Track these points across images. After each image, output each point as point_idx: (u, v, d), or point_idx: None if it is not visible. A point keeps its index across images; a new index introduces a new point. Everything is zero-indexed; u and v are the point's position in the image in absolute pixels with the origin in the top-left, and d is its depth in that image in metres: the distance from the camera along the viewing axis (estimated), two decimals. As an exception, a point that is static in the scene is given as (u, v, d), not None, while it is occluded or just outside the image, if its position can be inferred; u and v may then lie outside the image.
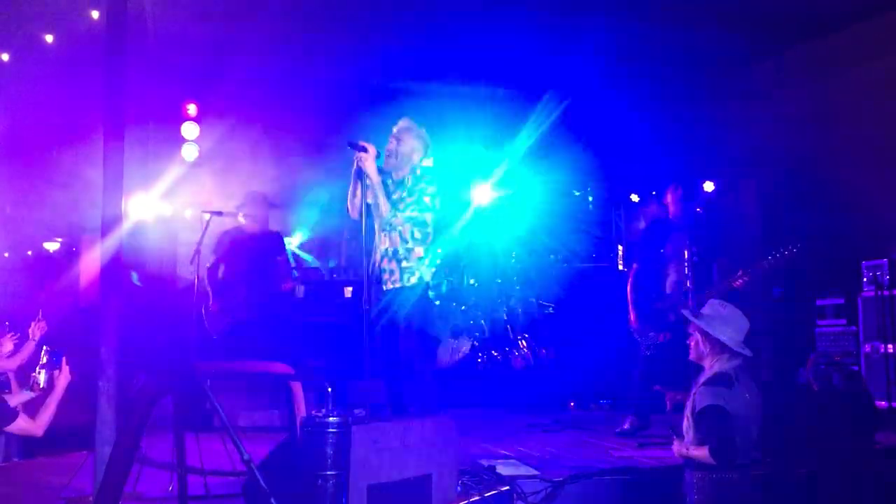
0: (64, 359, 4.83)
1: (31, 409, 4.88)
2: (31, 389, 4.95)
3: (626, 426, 5.79)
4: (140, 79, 7.58)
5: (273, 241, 6.89)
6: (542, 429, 6.24)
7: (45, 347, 4.93)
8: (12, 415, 4.68)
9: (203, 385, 3.02)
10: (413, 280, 4.65)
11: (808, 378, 7.27)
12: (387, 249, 4.69)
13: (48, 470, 4.52)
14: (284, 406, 5.85)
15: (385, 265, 4.68)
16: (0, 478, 4.34)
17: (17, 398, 4.98)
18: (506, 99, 10.24)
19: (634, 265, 5.98)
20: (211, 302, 6.61)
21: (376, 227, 4.73)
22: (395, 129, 4.79)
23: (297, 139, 9.25)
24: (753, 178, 8.09)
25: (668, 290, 5.77)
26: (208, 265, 6.78)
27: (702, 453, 3.60)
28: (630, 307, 5.84)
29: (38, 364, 4.92)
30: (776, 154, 8.12)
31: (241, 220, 6.85)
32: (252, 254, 6.73)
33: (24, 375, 5.67)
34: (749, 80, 8.56)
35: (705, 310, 3.87)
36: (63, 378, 4.83)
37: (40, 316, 5.82)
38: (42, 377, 4.89)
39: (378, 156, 4.61)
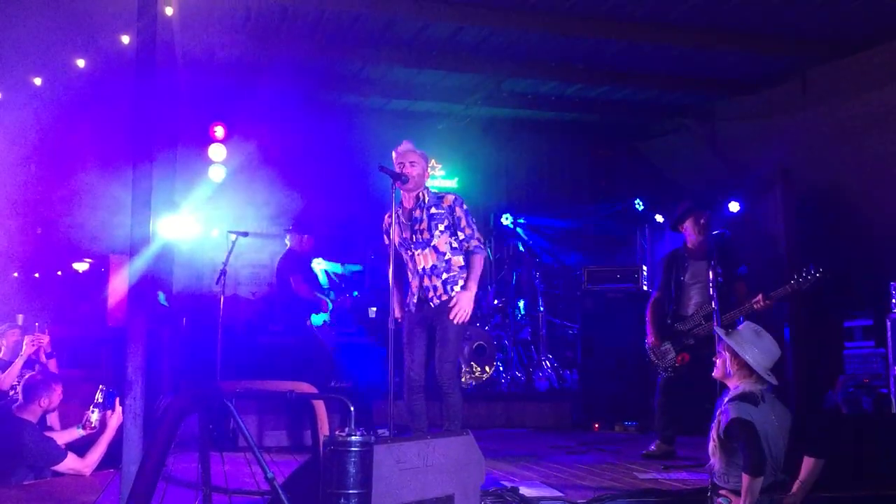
0: (117, 399, 4.86)
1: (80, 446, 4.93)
2: (84, 428, 4.99)
3: (652, 448, 5.74)
4: (168, 101, 7.71)
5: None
6: (566, 450, 6.20)
7: (101, 387, 4.98)
8: (62, 455, 4.71)
9: (228, 404, 3.05)
10: (457, 289, 4.70)
11: (837, 401, 7.18)
12: (424, 268, 4.73)
13: (76, 488, 4.56)
14: (308, 426, 5.88)
15: (427, 283, 4.73)
16: (28, 496, 4.39)
17: (66, 436, 5.01)
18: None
19: (655, 293, 5.94)
20: (329, 316, 6.80)
21: (412, 252, 4.78)
22: (395, 155, 4.81)
23: (322, 160, 9.34)
24: (779, 196, 8.04)
25: (689, 312, 5.74)
26: (294, 283, 7.01)
27: (744, 483, 3.50)
28: (649, 330, 5.82)
29: (91, 403, 4.97)
30: (802, 173, 8.07)
31: (287, 242, 7.09)
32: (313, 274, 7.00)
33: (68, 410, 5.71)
34: (775, 99, 8.54)
35: (740, 329, 3.85)
36: (116, 418, 4.85)
37: (37, 330, 5.83)
38: (95, 416, 4.93)
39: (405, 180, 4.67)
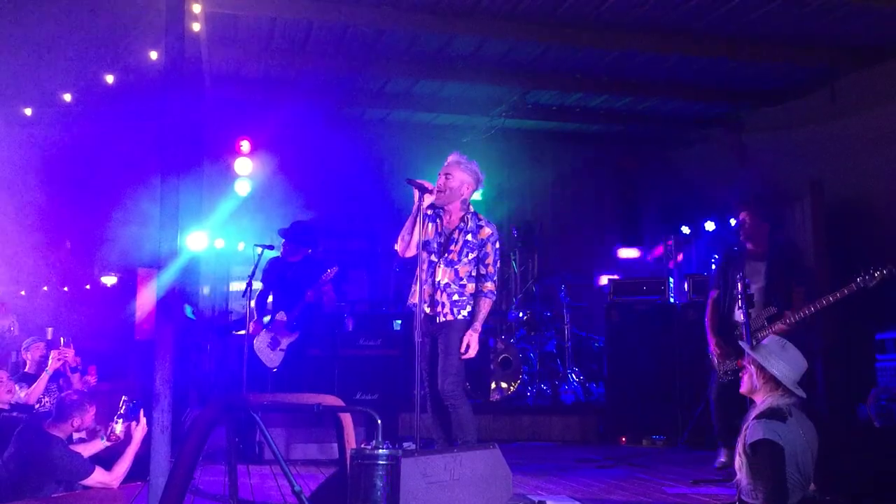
0: (142, 410, 4.87)
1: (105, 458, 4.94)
2: (108, 439, 5.00)
3: (722, 459, 5.62)
4: (195, 116, 7.79)
5: (313, 268, 7.02)
6: (593, 464, 6.14)
7: (123, 398, 5.00)
8: (89, 469, 4.73)
9: (255, 417, 3.05)
10: (464, 314, 4.69)
11: (870, 414, 7.06)
12: (439, 282, 4.73)
13: (104, 500, 4.58)
14: (334, 439, 5.88)
15: (438, 297, 4.72)
16: (57, 507, 4.42)
17: (90, 448, 5.03)
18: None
19: (713, 292, 5.86)
20: (260, 334, 6.72)
21: (435, 259, 4.77)
22: (444, 166, 4.84)
23: (347, 174, 9.39)
24: (808, 208, 7.93)
25: (736, 316, 5.66)
26: (255, 296, 6.92)
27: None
28: (709, 334, 5.73)
29: (115, 414, 4.99)
30: (832, 184, 7.96)
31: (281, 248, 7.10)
32: (296, 282, 6.88)
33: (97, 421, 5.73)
34: (803, 109, 8.45)
35: (766, 342, 3.80)
36: (140, 430, 4.86)
37: (63, 344, 5.87)
38: (119, 427, 4.95)
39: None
